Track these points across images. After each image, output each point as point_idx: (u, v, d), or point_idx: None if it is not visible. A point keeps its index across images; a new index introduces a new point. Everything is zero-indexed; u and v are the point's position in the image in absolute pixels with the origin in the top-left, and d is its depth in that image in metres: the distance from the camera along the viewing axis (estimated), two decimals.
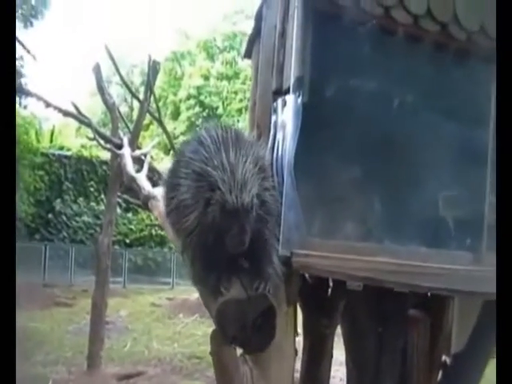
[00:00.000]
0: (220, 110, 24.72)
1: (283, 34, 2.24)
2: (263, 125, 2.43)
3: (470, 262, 2.28)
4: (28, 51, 11.45)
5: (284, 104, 2.13)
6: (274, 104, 2.27)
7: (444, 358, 2.85)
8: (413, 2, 2.13)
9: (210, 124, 1.90)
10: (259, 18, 2.72)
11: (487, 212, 2.35)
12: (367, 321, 2.63)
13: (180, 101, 25.96)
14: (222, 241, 1.59)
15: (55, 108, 7.24)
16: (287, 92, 2.06)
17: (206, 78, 26.13)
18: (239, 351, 1.80)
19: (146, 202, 3.81)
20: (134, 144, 7.43)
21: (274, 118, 2.27)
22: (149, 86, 7.50)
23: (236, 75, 24.95)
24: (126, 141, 7.14)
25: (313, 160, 2.03)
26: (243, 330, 1.62)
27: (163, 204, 2.12)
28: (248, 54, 3.01)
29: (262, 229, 1.71)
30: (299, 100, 1.96)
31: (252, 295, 1.63)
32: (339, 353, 2.73)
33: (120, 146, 7.03)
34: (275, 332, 1.66)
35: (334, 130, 2.08)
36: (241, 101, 23.32)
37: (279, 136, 2.13)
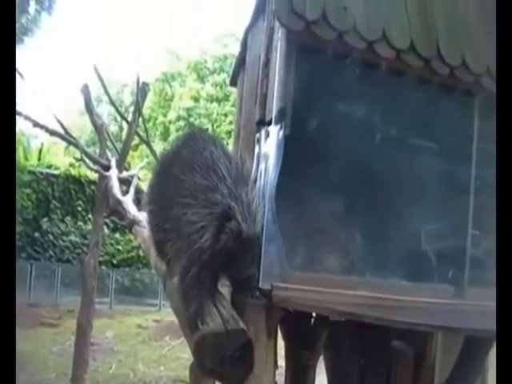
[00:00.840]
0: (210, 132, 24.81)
1: (267, 64, 2.26)
2: (247, 155, 2.44)
3: (451, 296, 2.28)
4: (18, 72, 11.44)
5: (267, 135, 2.14)
6: (258, 134, 2.29)
7: None
8: (396, 36, 2.14)
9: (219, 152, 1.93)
10: (244, 46, 2.75)
11: (469, 245, 2.36)
12: (350, 352, 2.62)
13: (170, 122, 25.98)
14: (221, 268, 1.75)
15: (42, 127, 7.20)
16: (270, 123, 2.06)
17: (196, 99, 26.22)
18: None
19: (130, 227, 3.79)
20: (122, 165, 7.41)
21: (257, 148, 2.28)
22: (137, 107, 7.51)
23: (226, 97, 25.07)
24: (113, 162, 7.12)
25: (295, 192, 2.04)
26: (221, 364, 1.61)
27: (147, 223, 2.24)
28: (233, 82, 3.04)
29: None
30: (281, 132, 1.96)
31: (230, 329, 1.62)
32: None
33: (108, 167, 7.00)
34: (253, 366, 1.65)
35: (317, 163, 2.08)
36: (230, 123, 23.36)
37: (262, 167, 2.14)
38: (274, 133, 2.02)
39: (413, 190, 2.33)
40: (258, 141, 2.27)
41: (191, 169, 1.84)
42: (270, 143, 2.05)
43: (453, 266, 2.38)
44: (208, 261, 1.72)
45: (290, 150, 1.93)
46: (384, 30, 2.11)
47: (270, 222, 1.85)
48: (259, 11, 2.47)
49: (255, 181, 1.90)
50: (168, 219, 1.91)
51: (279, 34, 2.07)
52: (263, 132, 2.22)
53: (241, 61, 2.83)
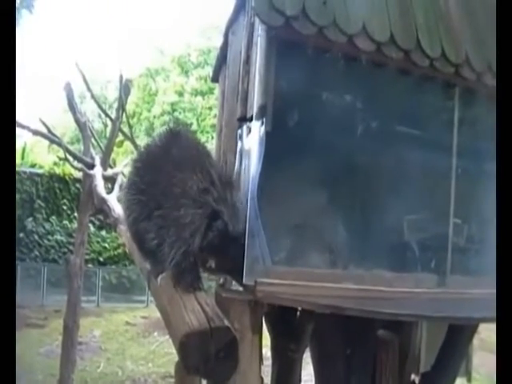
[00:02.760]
0: (194, 126, 24.69)
1: (247, 61, 2.25)
2: (229, 151, 2.44)
3: (434, 285, 2.31)
4: None
5: (249, 131, 2.14)
6: (239, 131, 2.29)
7: (413, 376, 2.88)
8: (376, 29, 2.15)
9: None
10: (225, 43, 2.75)
11: (451, 233, 2.39)
12: (336, 343, 2.65)
13: (154, 117, 25.83)
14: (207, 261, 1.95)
15: (24, 127, 7.11)
16: (252, 119, 2.06)
17: (181, 93, 26.05)
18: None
19: (115, 226, 3.78)
20: (107, 163, 7.35)
21: (239, 144, 2.28)
22: (121, 104, 7.45)
23: (210, 90, 24.88)
24: (97, 160, 7.06)
25: (277, 187, 2.05)
26: (206, 362, 1.62)
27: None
28: (215, 79, 3.04)
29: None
30: (262, 128, 1.97)
31: (214, 327, 1.63)
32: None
33: (92, 166, 6.95)
34: (238, 363, 1.67)
35: (299, 158, 2.10)
36: (215, 116, 23.22)
37: (244, 163, 2.15)
38: (256, 129, 2.02)
39: (394, 182, 2.35)
40: (240, 137, 2.28)
41: (183, 167, 1.95)
42: (252, 139, 2.05)
43: (435, 255, 2.41)
44: (196, 255, 1.89)
45: (271, 145, 1.94)
46: (364, 23, 2.12)
47: (252, 218, 1.86)
48: (240, 7, 2.46)
49: (239, 183, 2.01)
50: (154, 212, 1.97)
51: (259, 31, 2.06)
52: (245, 128, 2.22)
53: (222, 57, 2.83)
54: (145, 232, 2.05)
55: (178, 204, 1.88)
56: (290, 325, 2.56)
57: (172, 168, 1.97)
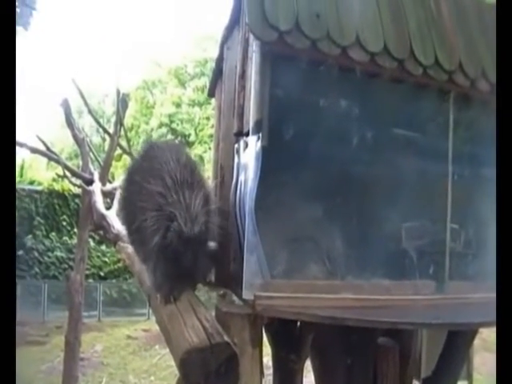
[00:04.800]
0: (192, 137, 24.74)
1: (243, 76, 2.27)
2: (226, 166, 2.46)
3: (433, 291, 2.31)
4: None
5: (246, 146, 2.16)
6: (236, 145, 2.31)
7: (415, 382, 2.88)
8: (369, 40, 2.16)
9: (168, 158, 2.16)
10: (220, 58, 2.78)
11: (449, 239, 2.40)
12: (336, 353, 2.64)
13: (152, 129, 25.88)
14: (175, 259, 1.99)
15: (22, 145, 7.14)
16: (248, 134, 2.07)
17: (178, 105, 26.14)
18: None
19: (114, 242, 3.78)
20: (105, 178, 7.38)
21: (236, 159, 2.30)
22: (118, 119, 7.50)
23: (207, 101, 24.89)
24: (96, 175, 7.09)
25: (274, 201, 2.06)
26: (207, 378, 1.62)
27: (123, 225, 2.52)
28: (211, 93, 3.06)
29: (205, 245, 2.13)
30: (259, 143, 1.98)
31: (214, 343, 1.63)
32: None
33: (91, 181, 6.97)
34: (239, 378, 1.67)
35: (295, 171, 2.11)
36: (213, 126, 23.20)
37: (241, 178, 2.16)
38: (252, 144, 2.03)
39: (391, 190, 2.35)
40: (237, 151, 2.29)
41: (147, 177, 2.11)
42: (249, 154, 2.07)
43: (433, 261, 2.40)
44: (161, 255, 2.04)
45: (268, 160, 1.95)
46: (357, 34, 2.13)
47: (250, 233, 1.87)
48: (234, 23, 2.49)
49: (200, 185, 2.10)
50: (134, 222, 2.15)
51: (253, 46, 2.08)
52: (242, 143, 2.24)
53: (218, 72, 2.86)
54: (133, 238, 2.31)
55: (142, 211, 2.05)
56: (290, 336, 2.56)
57: (141, 179, 2.14)
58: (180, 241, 1.95)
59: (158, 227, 1.98)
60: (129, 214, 2.29)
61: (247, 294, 1.84)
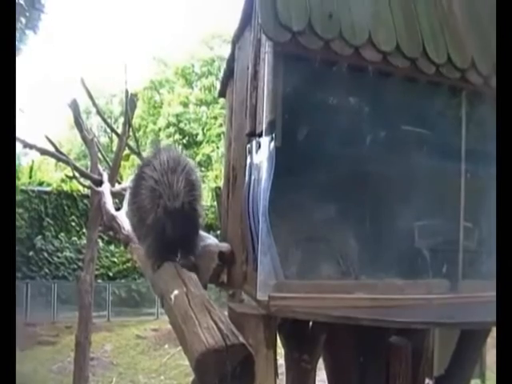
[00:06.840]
0: (200, 137, 24.75)
1: (255, 76, 2.27)
2: (238, 166, 2.46)
3: (447, 290, 2.30)
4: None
5: (258, 146, 2.16)
6: (249, 146, 2.30)
7: (427, 381, 2.86)
8: (381, 40, 2.15)
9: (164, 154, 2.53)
10: (232, 58, 2.77)
11: (462, 238, 2.39)
12: (349, 352, 2.64)
13: (160, 129, 25.91)
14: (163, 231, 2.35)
15: (32, 147, 7.17)
16: (261, 135, 2.07)
17: (185, 104, 26.13)
18: None
19: (126, 243, 3.77)
20: (114, 179, 7.40)
21: (248, 159, 2.30)
22: (127, 120, 7.52)
23: (215, 100, 24.86)
24: (105, 177, 7.10)
25: (287, 202, 2.06)
26: (223, 380, 1.61)
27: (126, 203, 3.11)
28: (222, 94, 3.06)
29: (194, 223, 2.48)
30: (272, 144, 1.98)
31: (230, 344, 1.62)
32: None
33: (100, 182, 6.99)
34: (254, 379, 1.66)
35: (308, 172, 2.11)
36: (220, 125, 23.21)
37: (254, 177, 2.16)
38: (265, 144, 2.03)
39: (404, 189, 2.34)
40: (250, 152, 2.29)
41: (147, 168, 2.50)
42: (262, 155, 2.07)
43: (446, 260, 2.39)
44: (155, 227, 2.39)
45: (281, 160, 1.95)
46: (370, 33, 2.12)
47: (264, 233, 1.87)
48: (245, 23, 2.48)
49: (183, 168, 2.41)
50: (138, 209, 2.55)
51: (266, 47, 2.08)
52: (254, 143, 2.23)
53: (229, 72, 2.86)
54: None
55: (140, 192, 2.47)
56: (303, 336, 2.55)
57: (141, 172, 2.54)
58: (165, 214, 2.31)
59: (152, 204, 2.37)
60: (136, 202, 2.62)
61: (261, 295, 1.84)
